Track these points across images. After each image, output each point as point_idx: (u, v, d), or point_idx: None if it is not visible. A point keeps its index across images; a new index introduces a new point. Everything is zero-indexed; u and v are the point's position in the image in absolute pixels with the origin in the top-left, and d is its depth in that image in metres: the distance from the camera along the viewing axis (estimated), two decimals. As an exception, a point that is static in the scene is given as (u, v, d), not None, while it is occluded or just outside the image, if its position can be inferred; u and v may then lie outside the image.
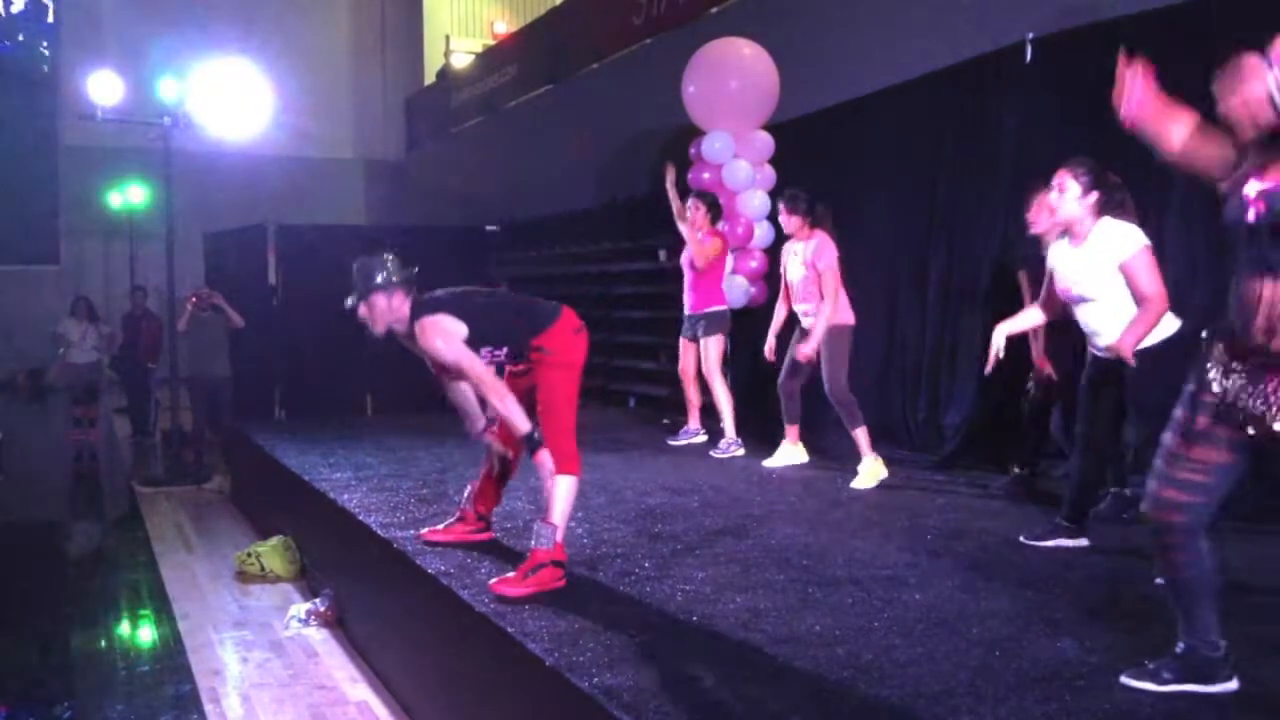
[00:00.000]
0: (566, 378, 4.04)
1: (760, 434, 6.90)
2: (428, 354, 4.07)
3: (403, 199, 18.88)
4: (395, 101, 19.93)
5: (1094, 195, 4.00)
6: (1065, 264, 4.15)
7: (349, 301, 4.08)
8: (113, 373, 13.51)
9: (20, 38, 19.09)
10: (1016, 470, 5.63)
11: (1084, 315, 4.16)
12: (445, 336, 3.96)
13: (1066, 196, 4.03)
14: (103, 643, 5.60)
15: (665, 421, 8.14)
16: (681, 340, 7.29)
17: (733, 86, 7.78)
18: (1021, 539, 4.52)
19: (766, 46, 7.90)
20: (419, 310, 4.03)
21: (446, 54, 18.67)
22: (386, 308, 4.04)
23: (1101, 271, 3.99)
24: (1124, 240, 3.95)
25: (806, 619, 3.47)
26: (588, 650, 3.17)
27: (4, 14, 19.00)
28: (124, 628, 5.95)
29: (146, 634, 5.72)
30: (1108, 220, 4.01)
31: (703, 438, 7.27)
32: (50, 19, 19.13)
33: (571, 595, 3.75)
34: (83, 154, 17.73)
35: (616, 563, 4.22)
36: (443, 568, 4.11)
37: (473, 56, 17.29)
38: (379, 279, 4.03)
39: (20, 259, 18.55)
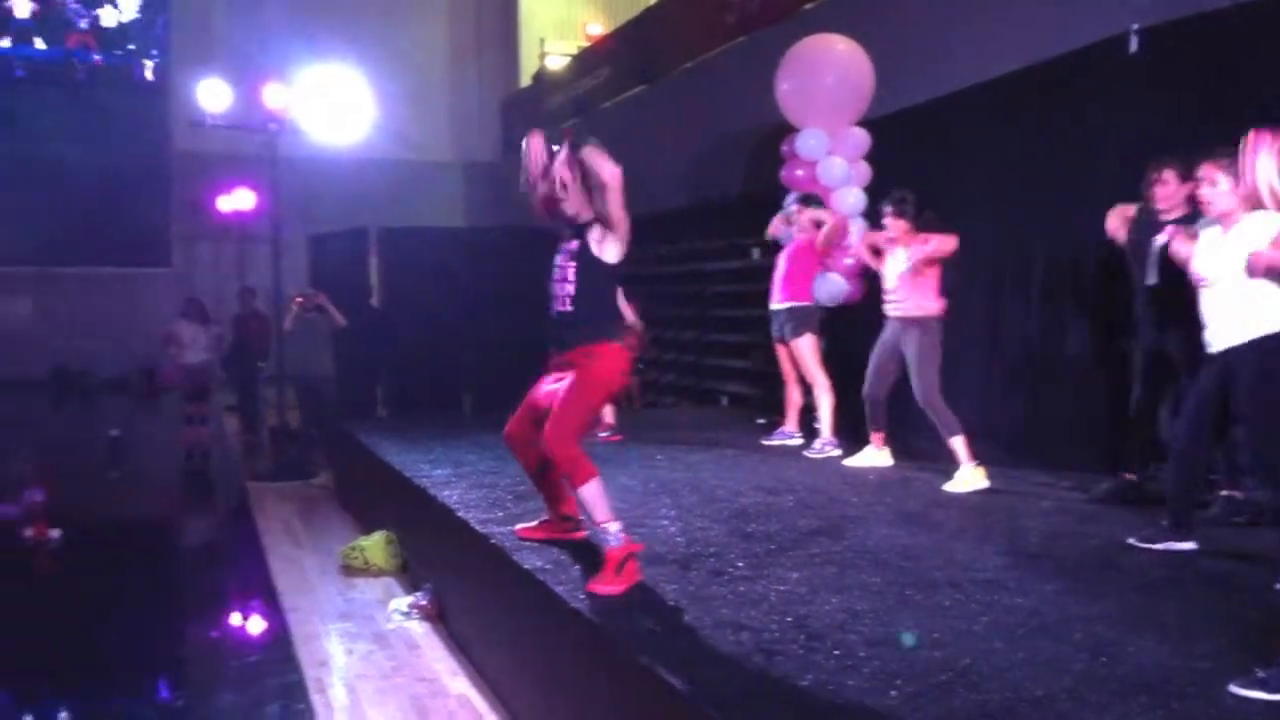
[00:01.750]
0: (599, 394, 4.20)
1: (857, 434, 6.84)
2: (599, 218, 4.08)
3: (500, 200, 19.09)
4: (492, 104, 20.21)
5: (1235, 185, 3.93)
6: (1210, 251, 4.08)
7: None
8: (223, 372, 13.95)
9: (131, 46, 19.81)
10: (1124, 473, 5.48)
11: (1207, 302, 4.11)
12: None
13: (1219, 190, 4.00)
14: (214, 633, 5.80)
15: (760, 421, 8.12)
16: (775, 343, 7.28)
17: (827, 82, 7.72)
18: (1129, 541, 4.41)
19: (862, 41, 7.82)
20: None
21: (541, 57, 18.88)
22: (575, 188, 4.13)
23: (1242, 258, 3.91)
24: (1272, 225, 3.86)
25: (903, 621, 3.44)
26: (681, 647, 3.19)
27: (116, 23, 19.74)
28: (235, 619, 6.16)
29: (256, 625, 5.91)
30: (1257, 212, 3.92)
31: (798, 440, 7.23)
32: (161, 28, 19.83)
33: (665, 593, 3.77)
34: (193, 160, 18.38)
35: (709, 561, 4.22)
36: (538, 564, 4.16)
37: (567, 59, 17.45)
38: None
39: (134, 262, 19.30)
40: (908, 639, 3.20)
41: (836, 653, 3.15)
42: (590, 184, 4.10)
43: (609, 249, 4.13)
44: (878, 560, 4.22)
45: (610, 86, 14.64)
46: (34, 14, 19.19)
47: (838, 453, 6.75)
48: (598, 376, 4.15)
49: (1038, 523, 4.89)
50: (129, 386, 18.33)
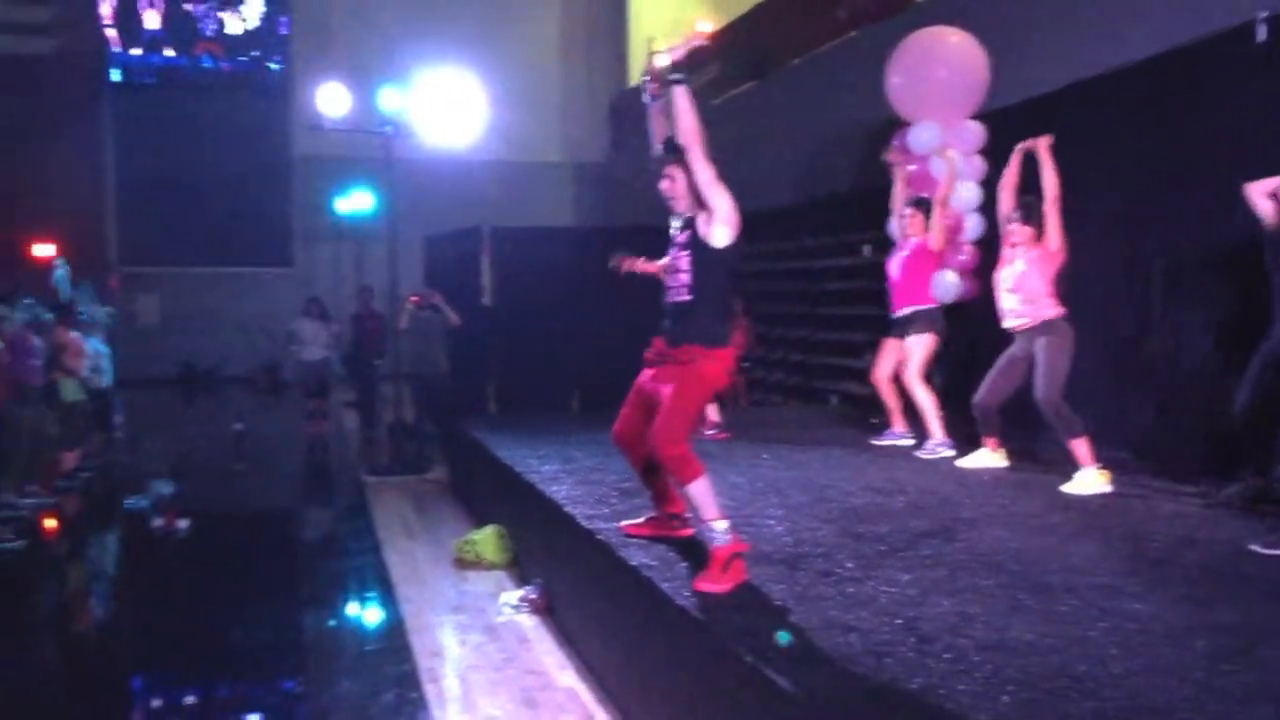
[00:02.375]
0: (704, 393, 4.23)
1: (970, 434, 6.70)
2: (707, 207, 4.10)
3: (609, 200, 19.27)
4: (601, 105, 20.36)
5: None
6: None
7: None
8: (342, 369, 14.37)
9: (255, 53, 20.50)
10: (1250, 477, 5.26)
11: None
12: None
13: None
14: (332, 622, 5.98)
15: (873, 421, 8.03)
16: (886, 340, 7.16)
17: (940, 75, 7.58)
18: (1252, 548, 4.24)
19: (976, 33, 7.66)
20: None
21: (650, 54, 18.93)
22: (685, 181, 4.17)
23: None
24: None
25: (1017, 626, 3.37)
26: (788, 648, 3.18)
27: (242, 31, 20.45)
28: (352, 609, 6.34)
29: (372, 616, 6.08)
30: None
31: (909, 441, 7.11)
32: (283, 34, 20.48)
33: (772, 592, 3.76)
34: (313, 163, 18.96)
35: (818, 562, 4.19)
36: (645, 560, 4.19)
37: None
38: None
39: (257, 262, 19.98)
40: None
41: (948, 656, 3.10)
42: (693, 178, 4.12)
43: (717, 232, 4.13)
44: (991, 563, 4.14)
45: (720, 83, 14.61)
46: (163, 22, 20.01)
47: (950, 454, 6.62)
48: (702, 375, 4.16)
49: (1160, 527, 4.73)
50: (253, 382, 19.01)
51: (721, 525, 3.96)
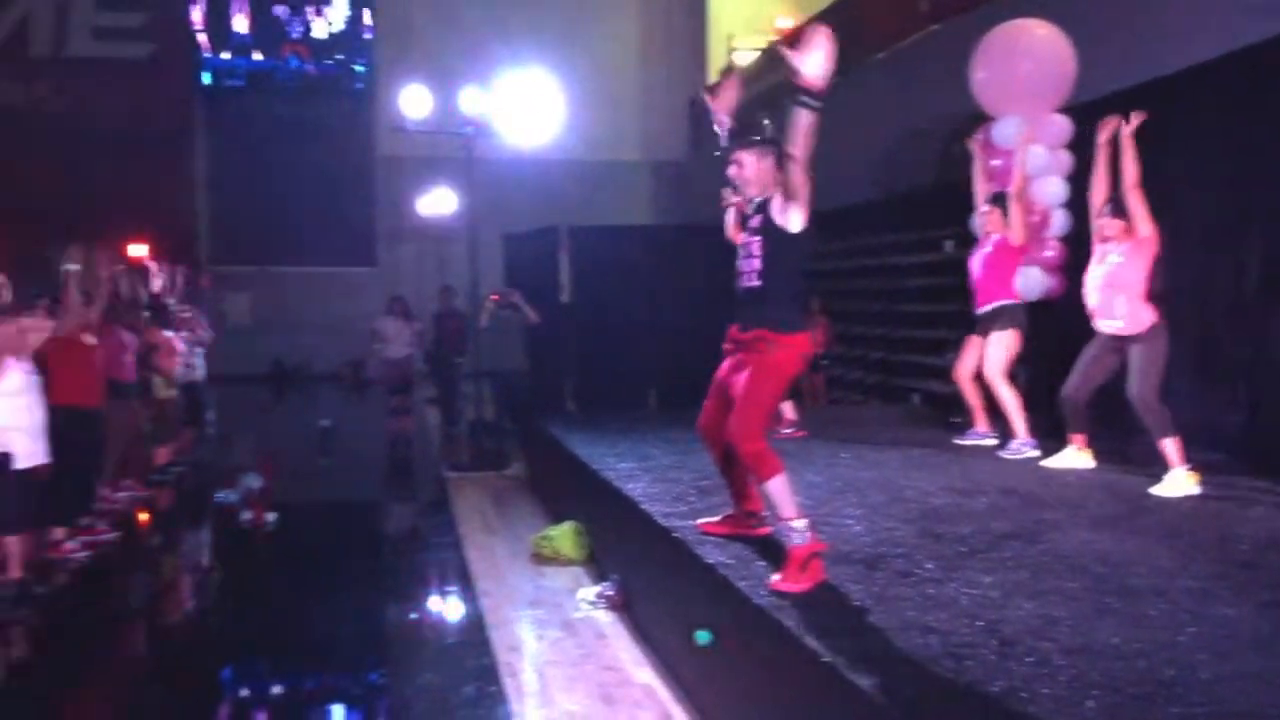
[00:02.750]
0: (779, 383, 4.17)
1: (1055, 434, 6.57)
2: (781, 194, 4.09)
3: (688, 199, 19.25)
4: (680, 103, 20.35)
5: None
6: None
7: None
8: (424, 366, 14.58)
9: (340, 56, 20.89)
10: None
11: None
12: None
13: None
14: (414, 615, 6.08)
15: (955, 420, 7.92)
16: (969, 337, 7.04)
17: (1025, 69, 7.44)
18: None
19: (1062, 25, 7.50)
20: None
21: (730, 52, 18.88)
22: (756, 166, 4.21)
23: None
24: None
25: (1102, 630, 3.30)
26: (867, 648, 3.16)
27: (327, 34, 20.86)
28: (433, 602, 6.44)
29: (453, 609, 6.17)
30: None
31: (992, 441, 6.99)
32: (367, 37, 20.84)
33: (850, 593, 3.73)
34: (396, 164, 19.26)
35: (897, 562, 4.15)
36: (721, 559, 4.19)
37: (756, 54, 17.40)
38: (754, 136, 4.26)
39: (342, 262, 20.36)
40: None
41: (1030, 660, 3.05)
42: (769, 159, 4.16)
43: (792, 217, 4.10)
44: (1076, 566, 4.05)
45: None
46: (251, 26, 20.50)
47: (1035, 454, 6.49)
48: (776, 365, 4.12)
49: (1251, 530, 4.59)
50: (339, 379, 19.40)
51: (800, 524, 3.94)
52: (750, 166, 4.21)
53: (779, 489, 4.01)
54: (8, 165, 17.37)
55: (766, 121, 4.29)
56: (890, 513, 5.04)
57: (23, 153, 17.67)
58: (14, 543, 6.11)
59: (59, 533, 6.99)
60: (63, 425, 6.61)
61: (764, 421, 4.14)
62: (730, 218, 4.63)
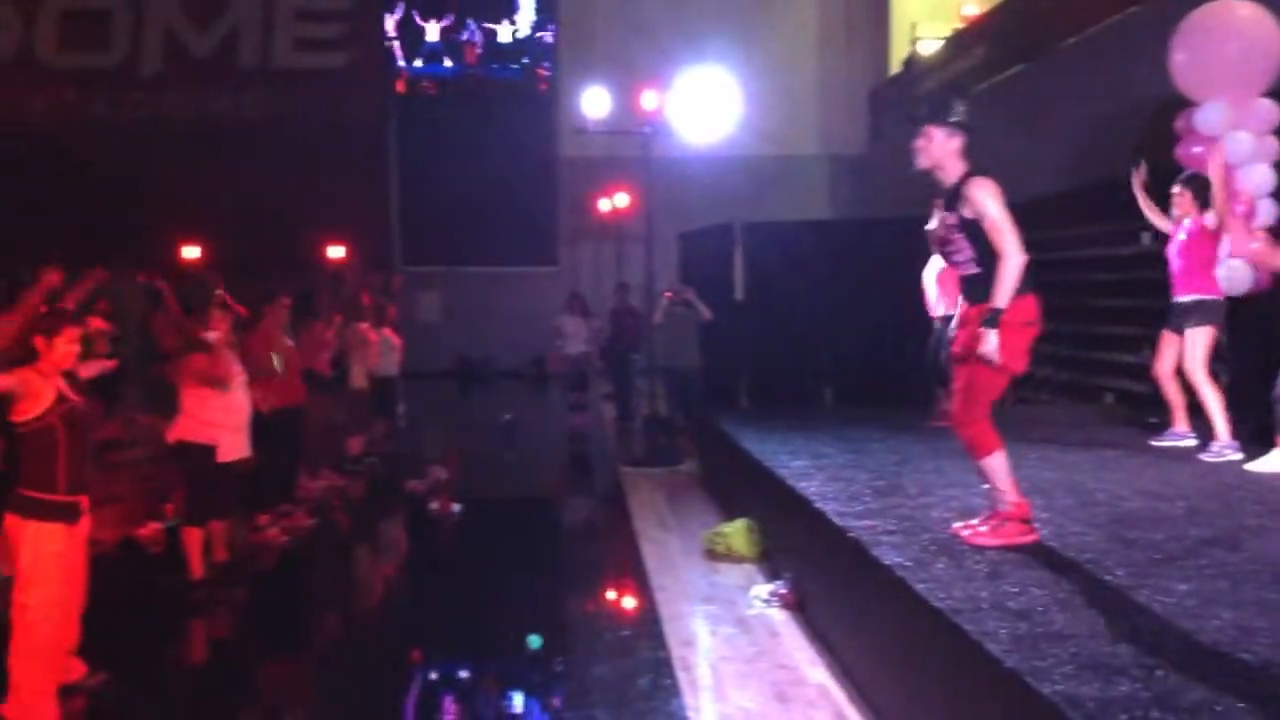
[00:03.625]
0: (1004, 364, 4.21)
1: (1262, 436, 6.15)
2: (973, 210, 4.14)
3: (867, 192, 18.92)
4: (859, 95, 20.00)
5: None
6: None
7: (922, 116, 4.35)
8: (600, 362, 14.83)
9: (525, 60, 21.42)
10: None
11: None
12: (997, 195, 4.13)
13: None
14: (590, 607, 6.19)
15: (1153, 420, 7.52)
16: (1164, 333, 6.67)
17: (1230, 51, 6.99)
18: None
19: (1269, 4, 7.01)
20: (974, 171, 4.23)
21: (913, 42, 18.45)
22: (942, 144, 4.24)
23: None
24: None
25: (1309, 643, 3.08)
26: (1050, 656, 3.03)
27: (512, 39, 21.41)
28: (608, 595, 6.54)
29: (628, 602, 6.25)
30: None
31: (1191, 441, 6.59)
32: (550, 41, 21.30)
33: (1035, 598, 3.60)
34: (577, 165, 19.64)
35: (1085, 568, 3.97)
36: (898, 560, 4.10)
37: (941, 42, 16.95)
38: (950, 116, 4.27)
39: (525, 262, 20.90)
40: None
41: (1225, 672, 2.87)
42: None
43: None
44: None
45: (985, 68, 14.04)
46: (442, 35, 21.25)
47: (1238, 456, 6.09)
48: (1001, 346, 4.16)
49: None
50: (521, 375, 19.94)
51: (1013, 496, 4.18)
52: (936, 142, 4.26)
53: (997, 465, 4.22)
54: (218, 172, 18.54)
55: (961, 106, 4.30)
56: (1079, 516, 4.83)
57: (230, 160, 18.81)
58: (220, 528, 6.54)
59: (262, 519, 7.45)
60: (267, 420, 7.08)
61: (985, 404, 4.28)
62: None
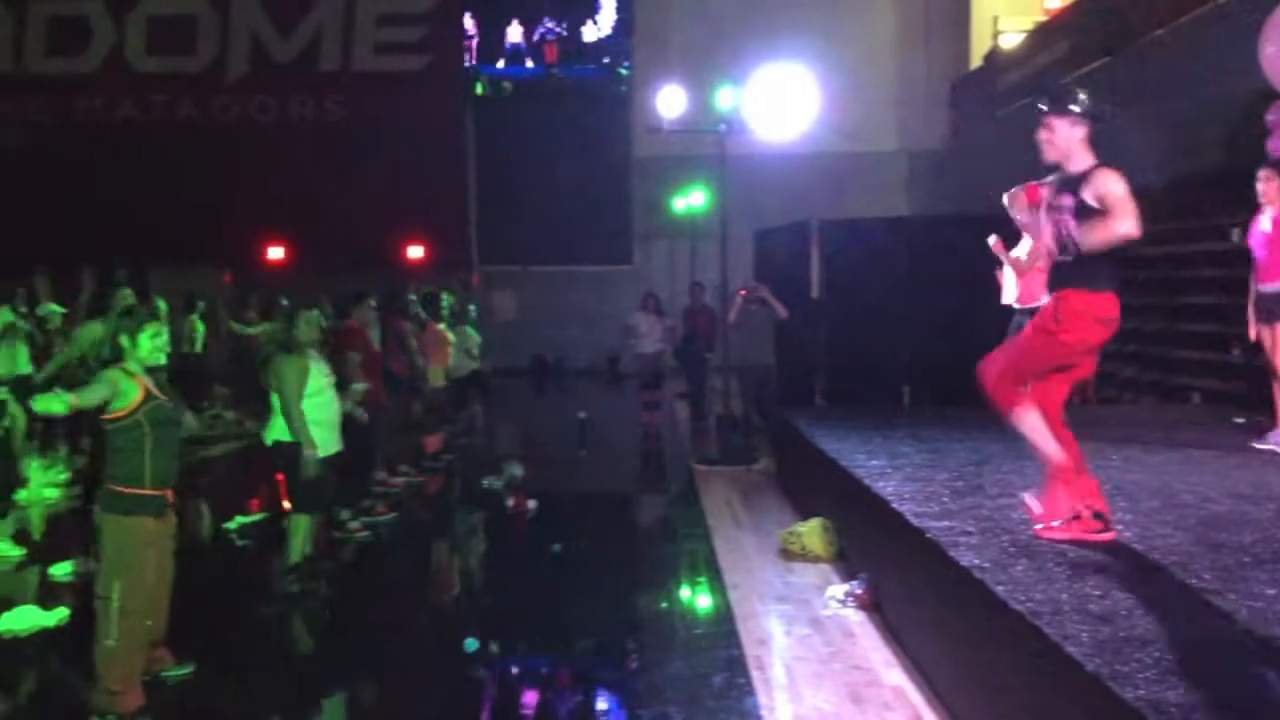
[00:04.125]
0: (1053, 346, 4.19)
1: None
2: (1096, 192, 4.05)
3: (945, 189, 18.64)
4: (939, 90, 19.72)
5: None
6: None
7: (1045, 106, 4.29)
8: (674, 361, 14.83)
9: (606, 60, 21.48)
10: None
11: None
12: (1124, 183, 4.04)
13: None
14: (664, 604, 6.21)
15: (1238, 420, 7.30)
16: (1259, 329, 6.47)
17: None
18: None
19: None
20: (1100, 164, 4.17)
21: (994, 36, 18.14)
22: (1067, 135, 4.20)
23: None
24: None
25: None
26: (1133, 660, 2.98)
27: (595, 39, 21.48)
28: (683, 593, 6.55)
29: (702, 600, 6.25)
30: None
31: (1289, 444, 6.40)
32: (628, 40, 21.33)
33: (1118, 601, 3.53)
34: (651, 164, 19.65)
35: (1171, 571, 3.88)
36: (976, 561, 4.05)
37: (1023, 35, 16.64)
38: (1072, 105, 4.22)
39: (599, 261, 20.98)
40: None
41: (1320, 682, 2.80)
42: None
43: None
44: (1380, 583, 3.67)
45: (1069, 61, 13.75)
46: (524, 36, 21.41)
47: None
48: (1058, 318, 4.13)
49: None
50: (595, 373, 20.04)
51: (1058, 459, 4.18)
52: (1060, 133, 4.20)
53: (1028, 426, 4.18)
54: (299, 173, 18.92)
55: (1083, 95, 4.25)
56: (1164, 519, 4.72)
57: (311, 162, 19.18)
58: (304, 523, 6.65)
59: (345, 514, 7.60)
60: (347, 417, 7.22)
61: (1018, 371, 4.23)
62: (1020, 200, 4.80)
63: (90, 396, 4.40)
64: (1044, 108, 4.24)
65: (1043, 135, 4.22)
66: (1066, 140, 4.17)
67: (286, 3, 20.31)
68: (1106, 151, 4.23)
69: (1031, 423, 4.15)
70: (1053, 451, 4.15)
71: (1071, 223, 4.12)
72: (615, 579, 6.68)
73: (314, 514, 6.58)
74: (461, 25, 21.00)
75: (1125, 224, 3.94)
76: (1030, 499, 4.43)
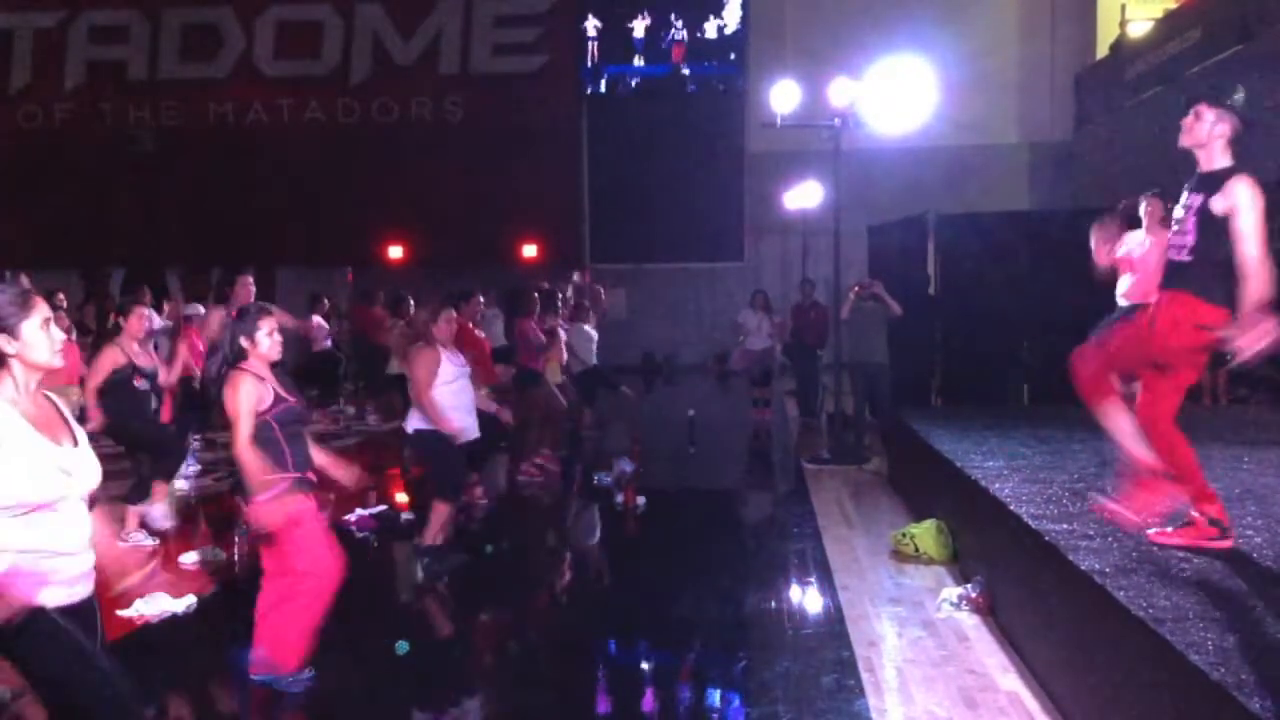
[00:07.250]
0: (1146, 342, 4.17)
1: None
2: (1227, 204, 3.97)
3: (1070, 181, 18.11)
4: (1064, 80, 19.17)
5: None
6: None
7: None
8: (784, 358, 14.73)
9: (732, 56, 21.38)
10: None
11: None
12: (1260, 203, 3.97)
13: None
14: (773, 603, 6.17)
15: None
16: None
17: None
18: None
19: None
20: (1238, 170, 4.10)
21: (1122, 24, 17.55)
22: (1211, 126, 4.13)
23: None
24: None
25: None
26: (1260, 669, 2.86)
27: (717, 35, 21.40)
28: (792, 592, 6.50)
29: (811, 600, 6.20)
30: None
31: None
32: (742, 36, 21.21)
33: (1245, 609, 3.39)
34: (764, 160, 19.54)
35: (1306, 581, 3.72)
36: (1096, 566, 3.93)
37: (1152, 23, 16.06)
38: (1225, 99, 4.20)
39: (711, 257, 20.95)
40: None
41: None
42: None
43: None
44: None
45: (1199, 50, 13.23)
46: (646, 33, 21.44)
47: None
48: (1152, 317, 4.10)
49: None
50: (705, 370, 20.02)
51: (1144, 460, 4.16)
52: (1205, 122, 4.13)
53: (1114, 423, 4.24)
54: (418, 173, 19.35)
55: (1240, 95, 4.28)
56: (1301, 525, 4.51)
57: (430, 161, 19.60)
58: (444, 510, 6.80)
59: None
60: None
61: (1112, 360, 4.26)
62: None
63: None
64: (1198, 94, 4.20)
65: (1187, 120, 4.18)
66: (1208, 131, 4.11)
67: (408, 5, 20.77)
68: (1242, 145, 4.10)
69: (1118, 421, 4.17)
70: (1139, 452, 4.12)
71: (1194, 225, 4.05)
72: (724, 577, 6.66)
73: (455, 501, 6.77)
74: (578, 26, 21.15)
75: (1250, 248, 3.88)
76: (1113, 504, 4.34)
